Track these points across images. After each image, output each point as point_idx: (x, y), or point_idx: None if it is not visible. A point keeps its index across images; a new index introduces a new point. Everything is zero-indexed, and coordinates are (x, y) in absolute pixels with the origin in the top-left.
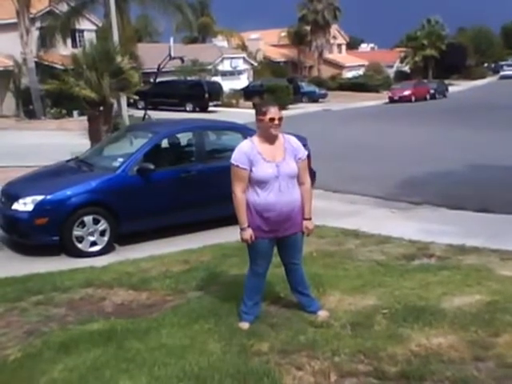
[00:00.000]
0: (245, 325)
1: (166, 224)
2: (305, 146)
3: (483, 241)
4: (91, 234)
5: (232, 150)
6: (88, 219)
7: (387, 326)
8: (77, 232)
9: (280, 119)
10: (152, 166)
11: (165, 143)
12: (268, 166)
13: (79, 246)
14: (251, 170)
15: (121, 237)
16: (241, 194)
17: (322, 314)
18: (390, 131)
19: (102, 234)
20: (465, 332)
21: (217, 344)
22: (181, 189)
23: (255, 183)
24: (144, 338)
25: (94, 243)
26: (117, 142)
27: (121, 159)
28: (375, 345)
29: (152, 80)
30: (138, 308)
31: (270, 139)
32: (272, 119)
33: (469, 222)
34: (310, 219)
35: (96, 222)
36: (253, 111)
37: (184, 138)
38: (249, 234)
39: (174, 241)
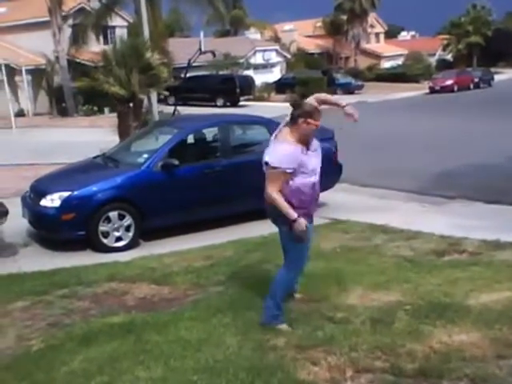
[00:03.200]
0: (286, 326)
1: (191, 219)
2: (331, 139)
3: None
4: (116, 229)
5: (257, 144)
6: (113, 215)
7: (408, 322)
8: (102, 227)
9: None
10: (176, 162)
11: (190, 139)
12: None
13: (105, 241)
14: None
15: (146, 232)
16: None
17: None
18: (428, 123)
19: (127, 229)
20: (488, 329)
21: (233, 338)
22: (205, 184)
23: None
24: (162, 331)
25: (119, 238)
26: (143, 138)
27: (146, 155)
28: (394, 341)
29: (182, 75)
30: (159, 302)
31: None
32: (316, 126)
33: (505, 217)
34: None
35: (121, 217)
36: (284, 104)
37: (209, 133)
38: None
39: (197, 236)
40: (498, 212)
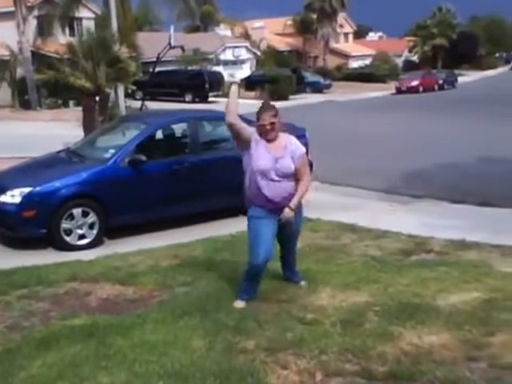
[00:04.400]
0: (241, 303)
1: (158, 217)
2: (303, 136)
3: (485, 236)
4: (80, 226)
5: (227, 140)
6: (77, 212)
7: (378, 323)
8: (65, 225)
9: (271, 124)
10: (144, 158)
11: (158, 134)
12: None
13: (67, 239)
14: None
15: (111, 230)
16: None
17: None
18: (395, 123)
19: (91, 226)
20: (458, 331)
21: (201, 341)
22: (174, 181)
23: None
24: (127, 334)
25: (82, 236)
26: (109, 132)
27: (112, 150)
28: (364, 343)
29: (151, 70)
30: (123, 303)
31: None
32: (262, 125)
33: (471, 217)
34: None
35: (85, 214)
36: (254, 102)
37: (177, 128)
38: None
39: (165, 234)
40: (463, 212)
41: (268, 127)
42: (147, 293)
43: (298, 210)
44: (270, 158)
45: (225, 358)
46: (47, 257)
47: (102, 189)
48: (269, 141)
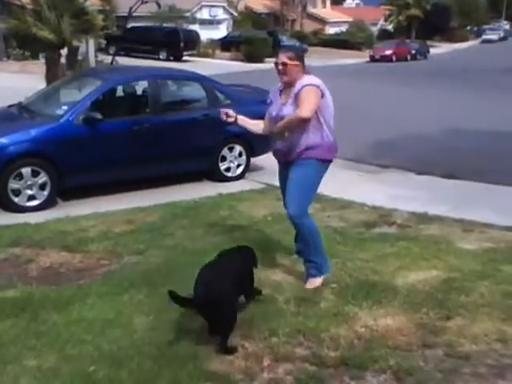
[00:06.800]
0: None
1: (116, 179)
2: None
3: (447, 209)
4: (29, 187)
5: (191, 101)
6: (26, 171)
7: (334, 302)
8: (13, 184)
9: (283, 64)
10: (100, 116)
11: (115, 92)
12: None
13: (16, 199)
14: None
15: (67, 191)
16: None
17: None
18: (367, 91)
19: (42, 187)
20: (415, 313)
21: (144, 319)
22: (133, 142)
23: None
24: (64, 309)
25: (32, 197)
26: (64, 88)
27: (65, 107)
28: (318, 325)
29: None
30: (66, 272)
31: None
32: (275, 63)
33: (435, 189)
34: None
35: (35, 174)
36: (229, 62)
37: (138, 86)
38: None
39: (124, 197)
40: (428, 183)
41: (279, 67)
42: (95, 261)
43: (301, 163)
44: (277, 105)
45: (167, 339)
46: None
47: (52, 147)
48: (284, 87)
